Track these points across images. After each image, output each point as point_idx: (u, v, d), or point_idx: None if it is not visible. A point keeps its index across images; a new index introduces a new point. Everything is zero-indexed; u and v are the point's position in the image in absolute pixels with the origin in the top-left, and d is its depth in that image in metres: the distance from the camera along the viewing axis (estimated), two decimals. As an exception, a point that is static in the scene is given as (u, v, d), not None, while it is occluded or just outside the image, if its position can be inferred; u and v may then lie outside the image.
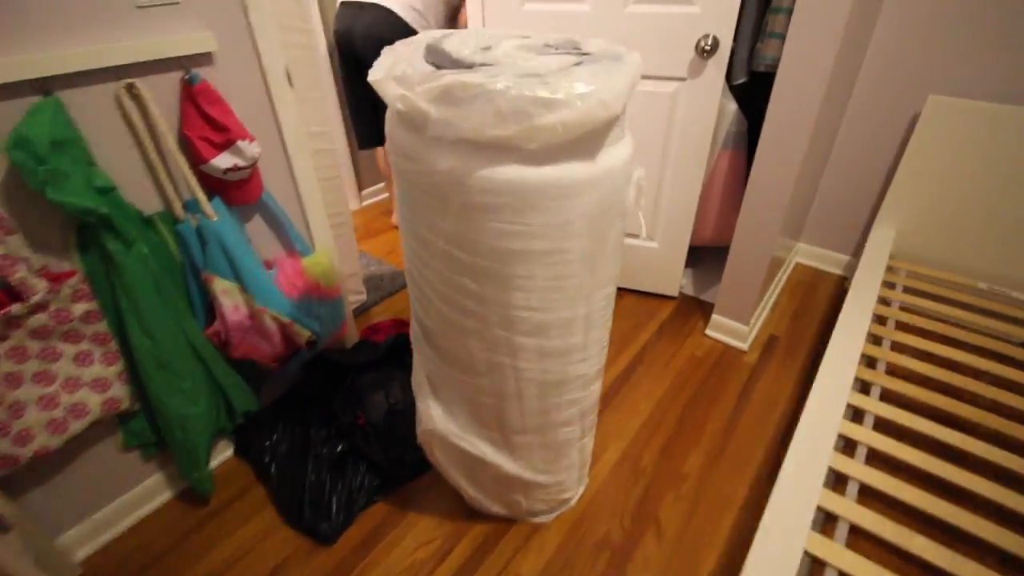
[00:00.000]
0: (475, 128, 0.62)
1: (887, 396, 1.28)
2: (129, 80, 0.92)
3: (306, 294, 1.30)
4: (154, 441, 1.18)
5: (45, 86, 0.85)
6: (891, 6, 1.64)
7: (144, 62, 0.93)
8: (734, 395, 1.56)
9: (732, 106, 1.60)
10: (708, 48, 1.42)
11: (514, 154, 0.64)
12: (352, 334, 1.63)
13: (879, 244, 1.74)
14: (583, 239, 0.73)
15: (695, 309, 1.92)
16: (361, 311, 1.93)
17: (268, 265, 1.25)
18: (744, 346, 1.73)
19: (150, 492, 1.23)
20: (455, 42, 0.77)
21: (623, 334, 1.80)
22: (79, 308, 0.96)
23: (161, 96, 0.97)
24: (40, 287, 0.90)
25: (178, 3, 0.94)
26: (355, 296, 1.86)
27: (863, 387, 1.31)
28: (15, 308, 0.87)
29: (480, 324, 0.81)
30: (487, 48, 0.76)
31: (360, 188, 2.68)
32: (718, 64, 1.46)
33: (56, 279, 0.92)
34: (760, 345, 1.75)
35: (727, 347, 1.74)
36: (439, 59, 0.71)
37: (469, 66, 0.68)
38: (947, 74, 1.62)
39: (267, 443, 1.33)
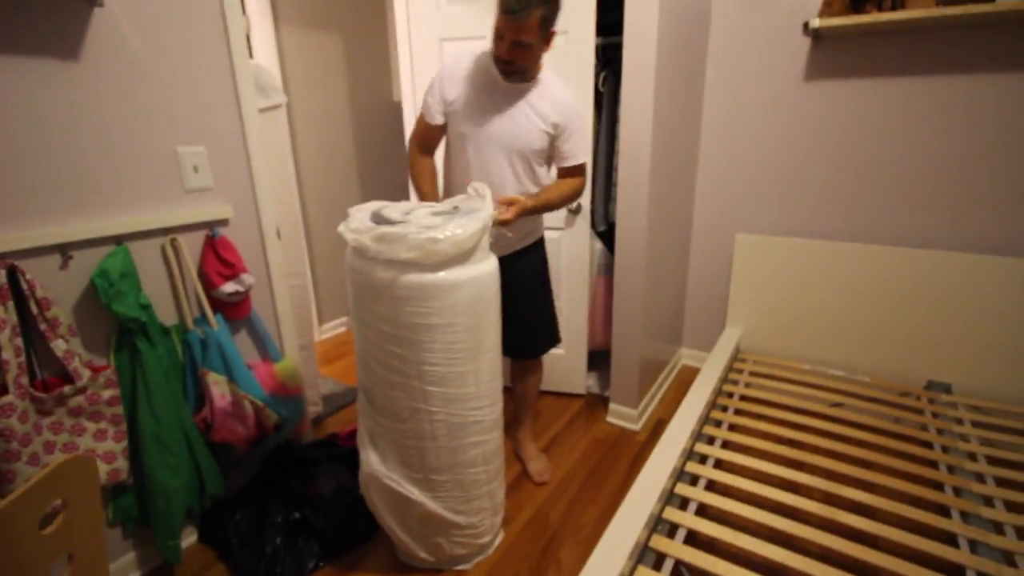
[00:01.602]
0: (396, 254, 1.11)
1: (718, 464, 1.68)
2: (173, 236, 1.40)
3: (275, 391, 1.66)
4: (136, 516, 1.41)
5: (120, 239, 1.31)
6: (703, 170, 2.41)
7: (184, 224, 1.42)
8: (627, 465, 1.92)
9: (598, 245, 2.24)
10: (573, 209, 2.07)
11: (418, 267, 1.13)
12: (309, 434, 1.93)
13: (725, 340, 2.28)
14: (466, 316, 1.19)
15: (599, 404, 2.34)
16: (317, 421, 2.24)
17: (249, 367, 1.62)
18: (636, 427, 2.13)
19: (123, 569, 1.42)
20: (389, 210, 1.30)
21: (540, 426, 2.17)
22: (107, 393, 1.30)
23: (192, 245, 1.45)
24: (85, 375, 1.25)
25: (212, 188, 1.47)
26: (313, 407, 2.18)
27: (698, 458, 1.66)
28: (67, 389, 1.21)
29: (402, 378, 1.22)
30: (407, 212, 1.30)
31: (320, 322, 3.11)
32: (584, 218, 2.10)
33: (96, 370, 1.28)
34: (650, 427, 2.16)
35: (623, 430, 2.14)
36: (378, 219, 1.23)
37: (395, 223, 1.19)
38: (750, 218, 2.33)
39: (230, 522, 1.56)
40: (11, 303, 1.14)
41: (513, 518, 1.66)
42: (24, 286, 1.15)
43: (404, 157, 2.76)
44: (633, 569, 1.16)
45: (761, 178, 2.27)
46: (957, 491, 1.46)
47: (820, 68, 2.06)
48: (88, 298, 1.28)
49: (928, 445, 1.69)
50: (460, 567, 1.46)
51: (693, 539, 1.32)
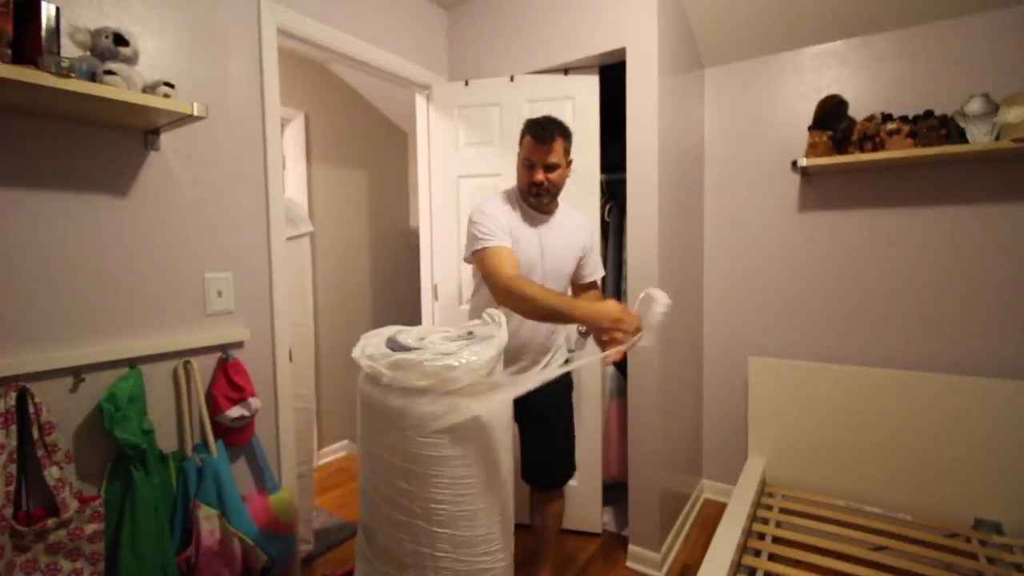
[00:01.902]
0: (411, 381, 1.10)
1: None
2: (187, 358, 1.40)
3: (267, 527, 1.54)
4: None
5: (134, 362, 1.31)
6: (709, 295, 2.45)
7: (199, 347, 1.43)
8: (652, 620, 1.70)
9: (610, 369, 2.20)
10: (583, 332, 2.08)
11: (433, 394, 1.11)
12: (298, 576, 1.75)
13: (750, 473, 2.15)
14: (478, 446, 1.14)
15: (617, 545, 2.13)
16: (308, 560, 2.04)
17: (243, 498, 1.52)
18: (660, 574, 1.92)
19: None
20: (404, 335, 1.32)
21: (553, 571, 1.96)
22: (90, 528, 1.21)
23: (204, 368, 1.45)
24: (73, 506, 1.18)
25: (233, 312, 1.51)
26: (304, 545, 2.01)
27: None
28: (51, 523, 1.13)
29: (408, 517, 1.13)
30: (422, 338, 1.31)
31: (320, 446, 2.99)
32: (593, 340, 2.10)
33: (84, 501, 1.21)
34: (675, 574, 1.94)
35: (646, 576, 1.93)
36: (393, 344, 1.23)
37: (410, 349, 1.20)
38: (761, 340, 2.33)
39: None
40: (14, 427, 1.12)
41: None
42: (31, 409, 1.14)
43: (415, 281, 2.85)
44: None
45: (767, 302, 2.31)
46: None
47: (811, 201, 2.19)
48: (91, 422, 1.25)
49: (992, 600, 1.50)
50: None
51: None
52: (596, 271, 1.72)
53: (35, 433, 1.14)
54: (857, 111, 2.01)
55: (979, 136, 1.76)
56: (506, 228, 1.50)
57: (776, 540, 1.83)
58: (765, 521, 1.94)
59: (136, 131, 1.32)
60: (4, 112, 1.13)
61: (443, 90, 2.24)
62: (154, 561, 1.28)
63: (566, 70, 2.08)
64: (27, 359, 1.15)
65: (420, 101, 2.29)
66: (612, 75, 2.05)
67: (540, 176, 1.50)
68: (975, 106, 1.78)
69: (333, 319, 3.00)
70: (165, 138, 1.37)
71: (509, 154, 2.15)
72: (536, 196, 1.53)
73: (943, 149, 1.77)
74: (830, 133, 1.98)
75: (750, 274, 2.35)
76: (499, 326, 1.29)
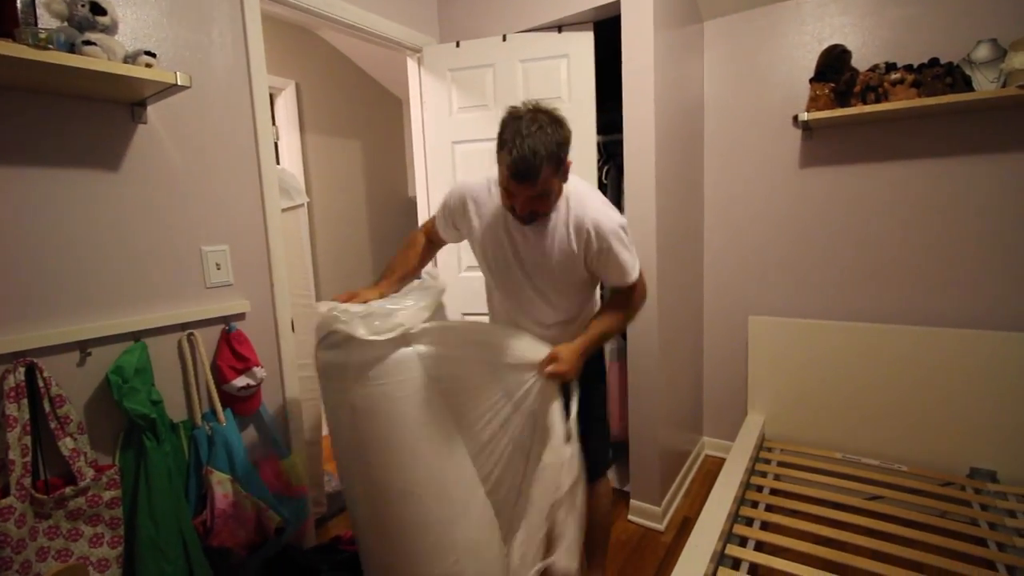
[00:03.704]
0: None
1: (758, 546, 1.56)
2: (190, 331, 1.43)
3: (279, 491, 1.59)
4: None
5: (138, 336, 1.34)
6: (709, 254, 2.44)
7: (202, 319, 1.45)
8: (652, 571, 1.77)
9: (610, 331, 2.22)
10: (583, 295, 2.09)
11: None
12: (311, 537, 1.82)
13: (749, 428, 2.19)
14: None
15: (618, 500, 2.19)
16: (320, 523, 2.12)
17: (254, 464, 1.57)
18: (661, 527, 1.98)
19: None
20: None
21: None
22: (108, 495, 1.26)
23: (208, 340, 1.47)
24: (89, 474, 1.22)
25: (232, 284, 1.52)
26: (316, 508, 2.08)
27: (731, 562, 1.54)
28: (68, 490, 1.18)
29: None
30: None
31: (330, 415, 3.06)
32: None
33: (100, 469, 1.25)
34: (675, 526, 2.01)
35: (647, 530, 1.99)
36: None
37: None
38: (762, 298, 2.33)
39: (222, 641, 1.43)
40: (25, 401, 1.15)
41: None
42: (40, 384, 1.17)
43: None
44: None
45: (768, 260, 2.30)
46: (1025, 598, 1.32)
47: (813, 156, 2.16)
48: (101, 394, 1.28)
49: (982, 542, 1.54)
50: None
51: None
52: (614, 277, 1.32)
53: (46, 406, 1.17)
54: (860, 61, 1.95)
55: (986, 84, 1.71)
56: (451, 222, 1.41)
57: (774, 492, 1.88)
58: (763, 475, 1.98)
59: (122, 104, 1.31)
60: (-12, 88, 1.12)
61: (434, 52, 2.19)
62: (171, 524, 1.33)
63: (559, 27, 2.02)
64: (33, 335, 1.17)
65: (411, 65, 2.24)
66: (608, 31, 1.99)
67: (521, 208, 1.20)
68: (982, 52, 1.72)
69: (335, 289, 3.02)
70: (152, 110, 1.35)
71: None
72: (518, 218, 1.25)
73: (948, 98, 1.73)
74: (832, 85, 1.93)
75: (750, 232, 2.33)
76: (435, 279, 1.33)
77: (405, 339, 1.17)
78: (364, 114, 3.16)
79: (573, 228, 1.26)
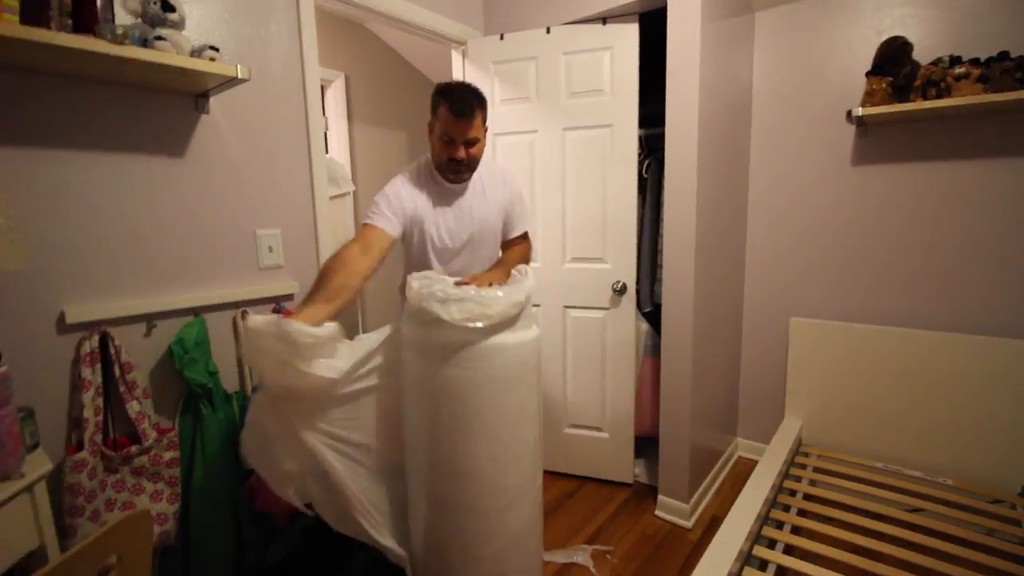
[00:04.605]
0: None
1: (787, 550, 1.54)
2: (243, 308, 1.52)
3: (320, 463, 1.69)
4: (177, 584, 1.43)
5: (198, 311, 1.44)
6: (752, 253, 2.39)
7: (255, 299, 1.55)
8: (677, 567, 1.77)
9: (644, 326, 2.21)
10: (619, 289, 2.09)
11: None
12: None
13: (786, 431, 2.14)
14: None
15: (647, 495, 2.20)
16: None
17: (297, 436, 1.67)
18: (688, 524, 1.98)
19: (157, 640, 1.41)
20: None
21: (583, 516, 2.06)
22: (168, 455, 1.37)
23: (258, 318, 1.57)
24: (152, 435, 1.33)
25: (282, 267, 1.62)
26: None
27: (758, 563, 1.54)
28: (134, 449, 1.30)
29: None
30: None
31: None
32: (629, 299, 2.11)
33: (162, 432, 1.37)
34: (703, 524, 2.00)
35: (673, 526, 1.99)
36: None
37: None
38: (806, 300, 2.26)
39: (265, 598, 1.54)
40: (99, 366, 1.26)
41: (552, 617, 1.54)
42: (112, 351, 1.28)
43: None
44: None
45: (814, 261, 2.23)
46: (1074, 623, 1.25)
47: (867, 154, 2.07)
48: (163, 364, 1.40)
49: (1032, 564, 1.47)
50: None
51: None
52: (520, 223, 1.63)
53: (117, 371, 1.29)
54: (922, 55, 1.85)
55: (1062, 78, 1.59)
56: (400, 211, 1.43)
57: (808, 497, 1.84)
58: (798, 479, 1.94)
59: (187, 95, 1.40)
60: (69, 79, 1.22)
61: (478, 45, 2.22)
62: (223, 486, 1.44)
63: (604, 19, 2.01)
64: (106, 306, 1.28)
65: (456, 57, 2.28)
66: (653, 22, 1.97)
67: (461, 153, 1.41)
68: (1060, 44, 1.60)
69: (376, 274, 3.12)
70: (214, 101, 1.44)
71: (545, 110, 2.13)
72: (455, 172, 1.46)
73: (1019, 94, 1.62)
74: (890, 79, 1.84)
75: (797, 231, 2.26)
76: (526, 276, 1.36)
77: (494, 329, 1.23)
78: (410, 105, 3.24)
79: (498, 178, 1.58)
